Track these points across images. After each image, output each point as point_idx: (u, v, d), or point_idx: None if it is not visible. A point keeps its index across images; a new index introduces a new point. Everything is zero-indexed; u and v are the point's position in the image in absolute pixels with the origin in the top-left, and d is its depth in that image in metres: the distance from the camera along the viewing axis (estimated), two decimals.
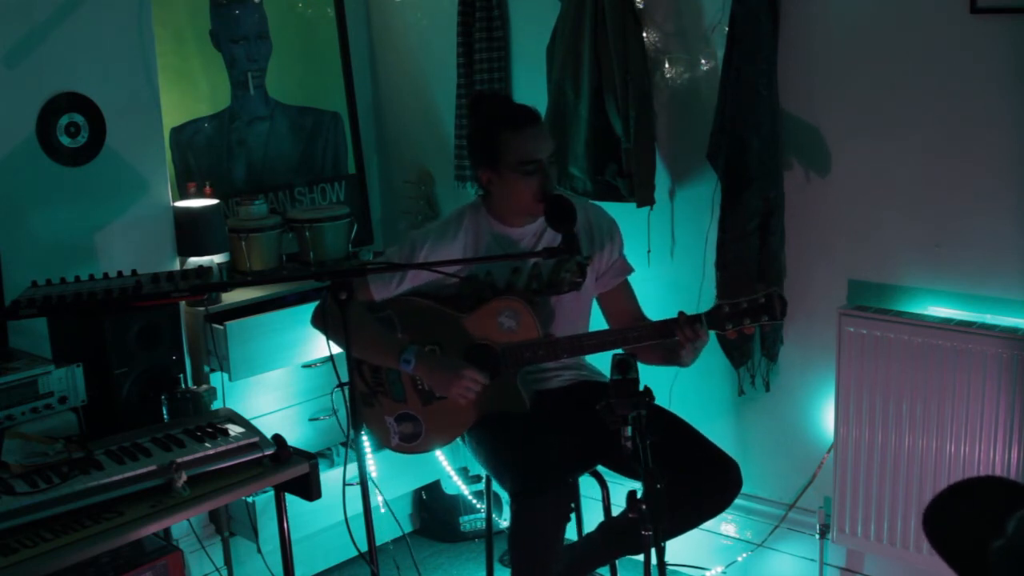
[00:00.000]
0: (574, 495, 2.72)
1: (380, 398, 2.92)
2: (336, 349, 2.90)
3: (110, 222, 3.16)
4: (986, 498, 1.58)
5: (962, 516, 1.56)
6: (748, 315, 2.63)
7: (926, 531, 1.58)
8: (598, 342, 2.77)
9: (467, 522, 3.92)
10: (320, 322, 2.92)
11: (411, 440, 2.91)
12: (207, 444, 2.49)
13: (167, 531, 2.88)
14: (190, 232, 3.32)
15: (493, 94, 2.89)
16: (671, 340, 2.69)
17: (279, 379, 3.50)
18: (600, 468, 2.91)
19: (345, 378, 2.53)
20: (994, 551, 1.42)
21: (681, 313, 2.68)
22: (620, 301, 2.97)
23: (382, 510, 3.36)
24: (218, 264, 3.37)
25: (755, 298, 2.64)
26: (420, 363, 2.76)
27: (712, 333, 2.75)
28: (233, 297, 3.40)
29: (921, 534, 2.97)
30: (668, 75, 3.35)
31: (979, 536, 1.46)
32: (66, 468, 2.33)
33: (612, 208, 3.09)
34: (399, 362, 2.76)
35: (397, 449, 2.94)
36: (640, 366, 2.23)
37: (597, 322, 2.98)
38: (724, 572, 3.50)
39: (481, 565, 3.68)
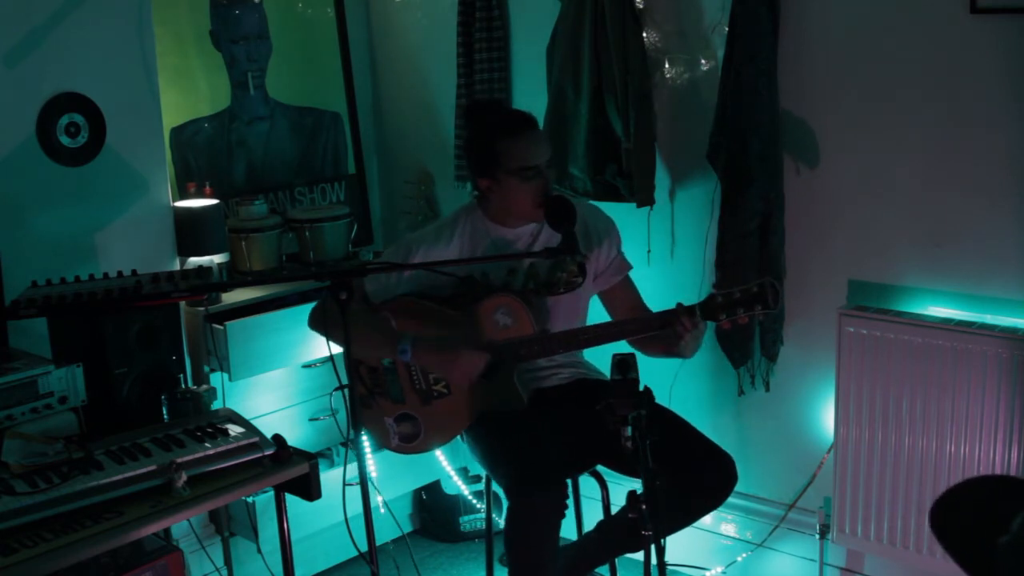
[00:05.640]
0: (569, 494, 2.71)
1: (378, 399, 2.92)
2: (336, 349, 2.90)
3: (110, 222, 3.16)
4: (992, 495, 1.59)
5: (968, 513, 1.56)
6: (742, 304, 2.61)
7: (933, 528, 1.59)
8: (593, 336, 2.76)
9: (467, 522, 3.92)
10: (318, 323, 2.92)
11: (410, 440, 2.91)
12: (207, 444, 2.49)
13: (167, 531, 2.88)
14: (190, 232, 3.32)
15: (489, 101, 2.89)
16: (668, 331, 2.67)
17: (279, 379, 3.50)
18: (600, 468, 2.91)
19: (345, 379, 2.53)
20: (1000, 547, 1.42)
21: (679, 304, 2.67)
22: (622, 297, 2.97)
23: (382, 510, 3.35)
24: (218, 264, 3.37)
25: (748, 287, 2.62)
26: (417, 350, 2.76)
27: (711, 329, 2.75)
28: (233, 297, 3.40)
29: (921, 534, 2.98)
30: (668, 75, 3.35)
31: (986, 533, 1.46)
32: (66, 468, 2.33)
33: (612, 208, 3.09)
34: (396, 352, 2.76)
35: (397, 450, 2.94)
36: (640, 365, 2.22)
37: (597, 319, 2.97)
38: (724, 572, 3.50)
39: (481, 565, 3.68)
